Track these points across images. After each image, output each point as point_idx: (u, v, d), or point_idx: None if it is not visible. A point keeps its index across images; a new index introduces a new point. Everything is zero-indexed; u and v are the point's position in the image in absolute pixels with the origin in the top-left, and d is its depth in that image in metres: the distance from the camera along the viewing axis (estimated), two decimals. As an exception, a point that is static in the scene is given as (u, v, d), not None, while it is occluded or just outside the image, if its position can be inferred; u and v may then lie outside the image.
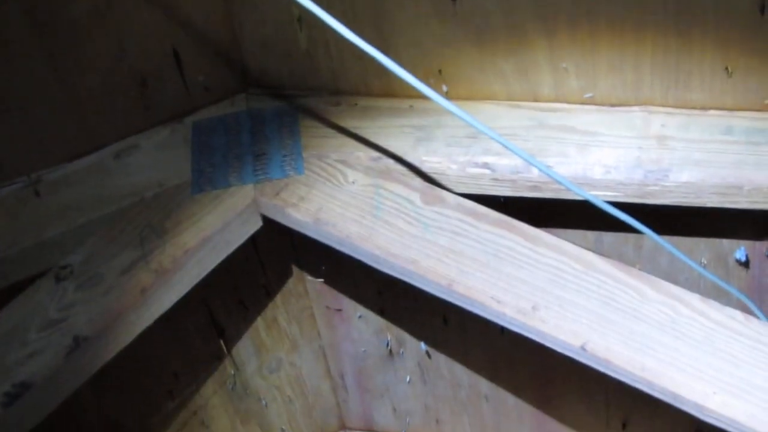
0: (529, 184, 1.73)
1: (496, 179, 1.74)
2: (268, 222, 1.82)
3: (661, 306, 1.51)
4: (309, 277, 2.21)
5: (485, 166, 1.74)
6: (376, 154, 1.81)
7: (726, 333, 1.46)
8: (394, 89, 1.91)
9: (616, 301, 1.52)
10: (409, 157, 1.79)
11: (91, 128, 1.86)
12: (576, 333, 1.49)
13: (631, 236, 1.88)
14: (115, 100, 1.86)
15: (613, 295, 1.53)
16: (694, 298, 1.52)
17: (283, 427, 2.45)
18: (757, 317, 1.58)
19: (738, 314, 1.49)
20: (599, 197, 1.65)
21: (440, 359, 2.29)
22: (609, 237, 1.90)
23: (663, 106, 1.78)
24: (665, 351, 1.44)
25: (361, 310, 2.25)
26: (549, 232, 1.66)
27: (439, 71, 1.85)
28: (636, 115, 1.78)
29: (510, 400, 2.29)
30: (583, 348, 1.47)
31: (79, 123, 1.84)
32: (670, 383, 1.41)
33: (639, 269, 1.62)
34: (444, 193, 1.74)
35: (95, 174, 1.85)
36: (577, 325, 1.50)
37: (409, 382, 2.38)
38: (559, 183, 1.63)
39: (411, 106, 1.89)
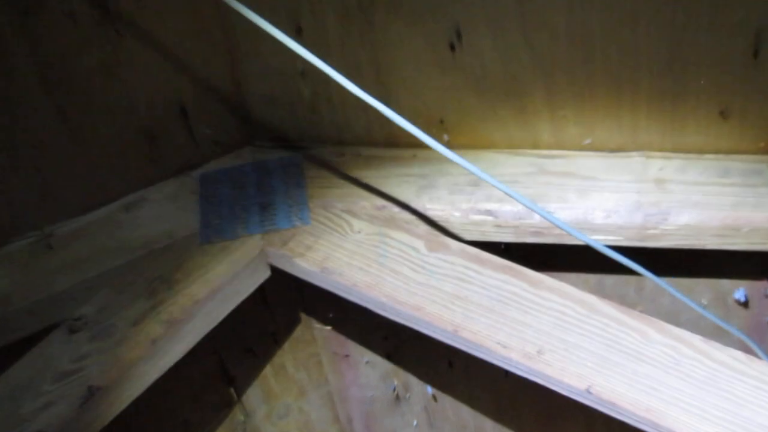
0: (531, 229, 1.73)
1: (498, 225, 1.74)
2: (275, 271, 1.81)
3: (664, 348, 1.50)
4: (316, 324, 2.20)
5: (488, 213, 1.74)
6: (380, 202, 1.81)
7: (729, 373, 1.45)
8: (397, 139, 1.91)
9: (619, 343, 1.51)
10: (413, 206, 1.79)
11: (102, 182, 1.86)
12: (581, 376, 1.48)
13: (632, 278, 1.87)
14: (124, 154, 1.86)
15: (617, 338, 1.52)
16: (696, 339, 1.51)
17: (293, 472, 2.44)
18: (759, 357, 1.57)
19: (740, 355, 1.47)
20: (600, 241, 1.65)
21: (446, 402, 2.27)
22: (610, 279, 1.90)
23: (660, 150, 1.78)
24: (669, 392, 1.43)
25: (368, 355, 2.24)
26: (551, 276, 1.65)
27: (441, 121, 1.85)
28: (634, 159, 1.78)
29: (515, 441, 2.28)
30: (588, 391, 1.46)
31: (89, 177, 1.84)
32: (675, 424, 1.40)
33: (641, 311, 1.61)
34: (448, 240, 1.74)
35: (106, 227, 1.85)
36: (581, 368, 1.49)
37: (416, 425, 2.37)
38: (561, 228, 1.63)
39: (414, 156, 1.90)
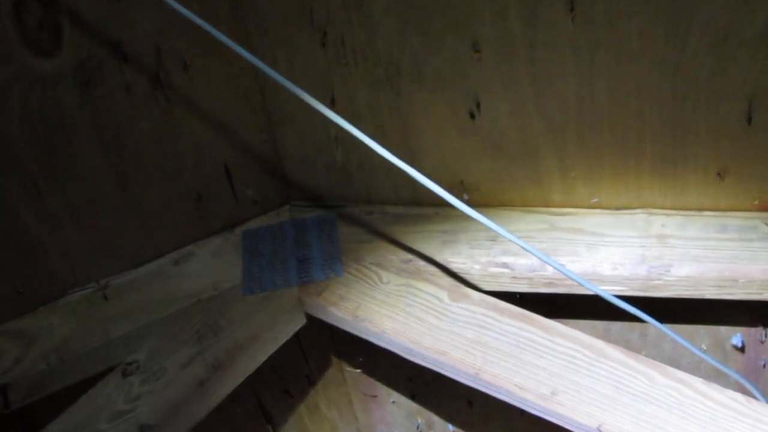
0: (544, 280, 1.72)
1: (515, 277, 1.73)
2: (310, 318, 1.81)
3: (668, 389, 1.48)
4: (347, 367, 2.20)
5: (505, 265, 1.74)
6: (407, 256, 1.81)
7: (729, 414, 1.43)
8: (421, 198, 1.91)
9: (626, 385, 1.50)
10: (437, 259, 1.78)
11: (153, 239, 1.87)
12: (591, 415, 1.47)
13: (636, 325, 1.86)
14: (174, 213, 1.87)
15: (624, 380, 1.51)
16: (698, 382, 1.49)
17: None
18: (756, 398, 1.55)
19: (739, 396, 1.46)
20: (608, 291, 1.64)
21: (466, 439, 2.26)
22: (617, 326, 1.88)
23: (662, 208, 1.77)
24: (674, 431, 1.42)
25: (394, 395, 2.22)
26: (562, 322, 1.64)
27: (461, 181, 1.85)
28: (638, 216, 1.77)
29: (530, 475, 2.26)
30: (599, 429, 1.44)
31: (142, 234, 1.85)
32: (681, 461, 1.39)
33: (645, 355, 1.59)
34: (469, 290, 1.73)
35: (157, 279, 1.85)
36: (592, 408, 1.47)
37: (438, 460, 2.35)
38: (572, 279, 1.62)
39: (437, 213, 1.90)
